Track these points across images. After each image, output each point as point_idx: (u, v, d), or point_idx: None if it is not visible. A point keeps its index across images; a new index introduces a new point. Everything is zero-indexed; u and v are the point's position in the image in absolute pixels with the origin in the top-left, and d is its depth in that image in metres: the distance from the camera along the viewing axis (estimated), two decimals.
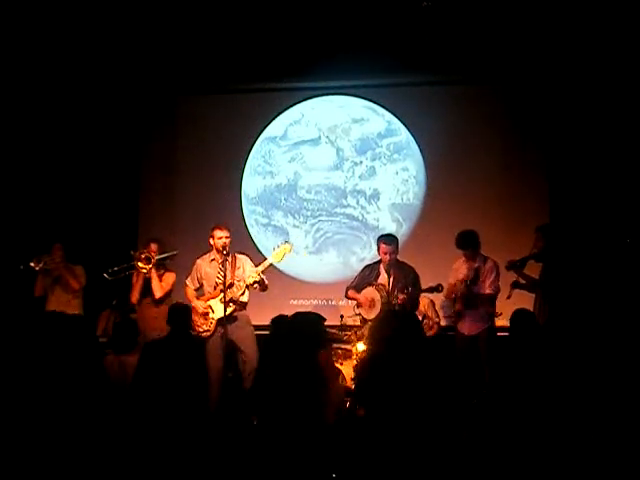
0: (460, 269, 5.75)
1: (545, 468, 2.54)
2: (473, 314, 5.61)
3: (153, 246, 6.00)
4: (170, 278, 5.99)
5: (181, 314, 4.73)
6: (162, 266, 5.99)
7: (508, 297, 5.49)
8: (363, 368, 3.02)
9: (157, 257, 5.89)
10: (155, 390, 2.56)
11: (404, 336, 3.21)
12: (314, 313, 3.76)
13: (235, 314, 5.54)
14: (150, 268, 5.83)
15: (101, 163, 7.57)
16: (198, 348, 4.64)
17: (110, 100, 7.54)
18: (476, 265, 5.67)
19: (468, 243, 5.70)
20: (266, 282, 5.59)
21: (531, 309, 5.41)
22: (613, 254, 6.26)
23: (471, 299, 5.59)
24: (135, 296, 6.00)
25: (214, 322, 5.54)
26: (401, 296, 5.44)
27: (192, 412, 2.54)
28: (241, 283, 5.52)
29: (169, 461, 2.37)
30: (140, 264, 5.83)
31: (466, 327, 5.61)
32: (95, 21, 6.71)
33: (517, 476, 2.54)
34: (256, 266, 5.65)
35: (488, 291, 5.59)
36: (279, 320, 4.48)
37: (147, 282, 5.95)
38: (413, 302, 5.58)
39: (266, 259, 5.71)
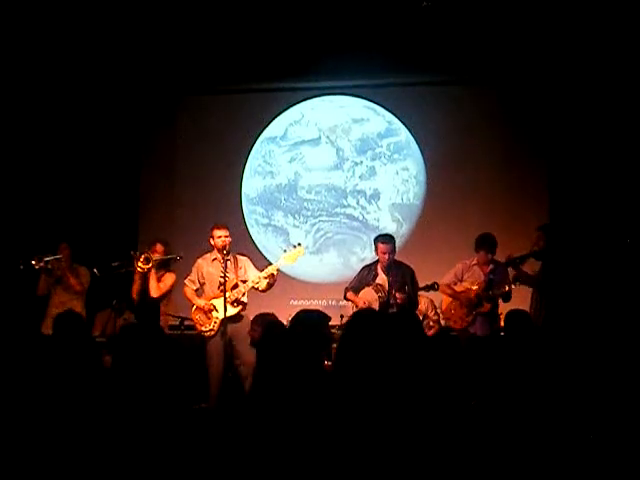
0: (471, 273, 5.74)
1: (541, 469, 2.55)
2: (485, 316, 5.63)
3: (159, 247, 5.95)
4: (169, 279, 5.93)
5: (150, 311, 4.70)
6: (163, 267, 5.97)
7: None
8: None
9: (156, 259, 5.86)
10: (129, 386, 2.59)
11: (404, 336, 3.20)
12: (318, 311, 3.72)
13: (241, 313, 5.57)
14: (149, 268, 5.80)
15: (101, 163, 7.58)
16: (167, 344, 4.55)
17: (110, 100, 7.55)
18: (489, 269, 5.68)
19: (494, 246, 5.69)
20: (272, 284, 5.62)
21: (528, 308, 5.45)
22: (613, 254, 6.26)
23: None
24: (136, 290, 6.00)
25: (218, 322, 5.54)
26: (399, 295, 5.44)
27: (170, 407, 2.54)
28: (248, 283, 5.54)
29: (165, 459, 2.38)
30: (140, 264, 5.80)
31: (479, 328, 5.61)
32: (96, 22, 6.72)
33: (513, 477, 2.54)
34: (261, 269, 5.67)
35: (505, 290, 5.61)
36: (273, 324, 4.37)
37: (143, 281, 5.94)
38: (412, 301, 5.58)
39: (277, 261, 5.69)
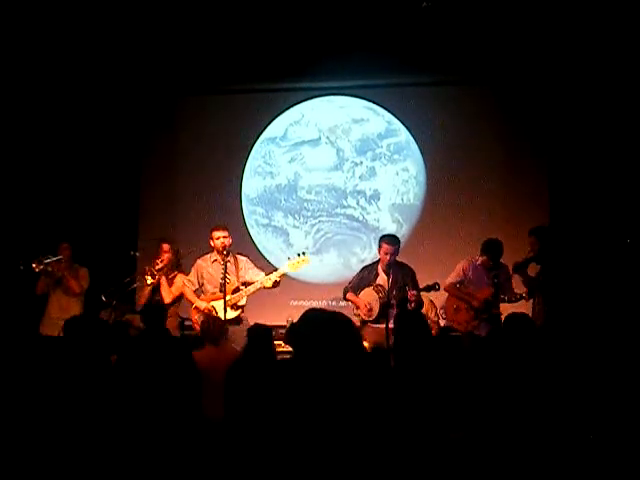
0: (476, 273, 5.72)
1: (539, 470, 2.54)
2: (490, 320, 5.63)
3: (165, 246, 5.98)
4: (180, 281, 5.93)
5: (156, 313, 4.72)
6: (174, 268, 5.97)
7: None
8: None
9: (161, 267, 5.88)
10: (132, 389, 2.57)
11: (412, 336, 3.20)
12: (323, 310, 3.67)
13: (241, 316, 5.57)
14: (158, 279, 5.84)
15: (102, 163, 7.57)
16: (175, 346, 4.56)
17: (111, 100, 7.55)
18: (493, 274, 5.66)
19: (501, 253, 5.65)
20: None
21: (530, 311, 5.44)
22: (613, 254, 6.25)
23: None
24: (142, 302, 6.00)
25: None
26: (412, 293, 5.43)
27: (175, 411, 2.53)
28: (256, 285, 5.54)
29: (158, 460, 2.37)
30: (149, 279, 5.84)
31: (482, 329, 5.60)
32: (96, 22, 6.71)
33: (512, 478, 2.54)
34: (262, 269, 5.68)
35: (510, 296, 5.62)
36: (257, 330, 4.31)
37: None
38: (417, 302, 5.58)
39: (280, 267, 5.69)
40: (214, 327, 4.62)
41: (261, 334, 4.02)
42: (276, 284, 5.59)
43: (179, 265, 6.02)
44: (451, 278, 5.79)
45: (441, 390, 2.97)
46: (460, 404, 3.03)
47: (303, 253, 5.71)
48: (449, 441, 2.74)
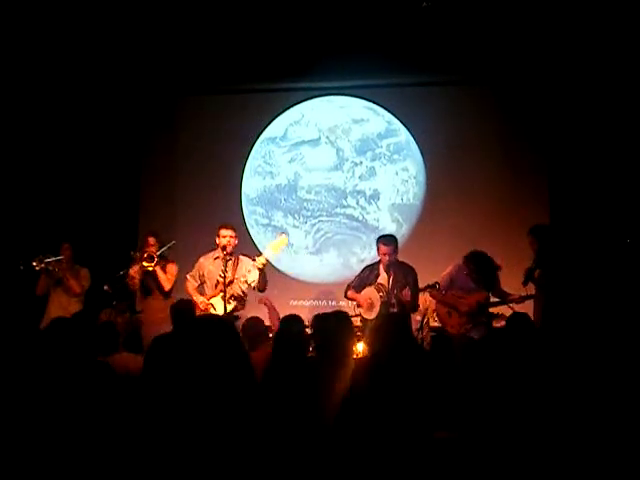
0: (462, 278, 5.71)
1: (539, 472, 2.54)
2: (483, 323, 5.63)
3: (151, 240, 6.00)
4: (173, 269, 5.99)
5: (185, 312, 4.72)
6: (163, 258, 5.99)
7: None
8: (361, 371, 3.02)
9: (158, 252, 5.91)
10: (162, 386, 2.55)
11: (398, 340, 3.21)
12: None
13: (237, 313, 5.56)
14: (155, 264, 5.86)
15: (102, 163, 7.58)
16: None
17: (111, 100, 7.56)
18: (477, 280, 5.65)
19: (485, 267, 5.60)
20: (265, 279, 5.61)
21: (532, 311, 5.44)
22: (613, 254, 6.25)
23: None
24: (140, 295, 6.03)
25: None
26: (406, 293, 5.43)
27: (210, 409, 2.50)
28: (241, 279, 5.53)
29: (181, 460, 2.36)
30: (145, 263, 5.86)
31: (475, 332, 5.60)
32: (96, 22, 6.72)
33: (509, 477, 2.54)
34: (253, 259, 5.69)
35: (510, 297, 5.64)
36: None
37: (146, 277, 5.97)
38: (413, 301, 5.58)
39: (264, 251, 5.68)
40: (254, 330, 4.53)
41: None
42: (262, 280, 5.55)
43: (165, 256, 6.02)
44: (441, 282, 5.74)
45: (425, 392, 2.97)
46: (454, 404, 3.03)
47: (281, 233, 5.79)
48: (443, 441, 2.74)
